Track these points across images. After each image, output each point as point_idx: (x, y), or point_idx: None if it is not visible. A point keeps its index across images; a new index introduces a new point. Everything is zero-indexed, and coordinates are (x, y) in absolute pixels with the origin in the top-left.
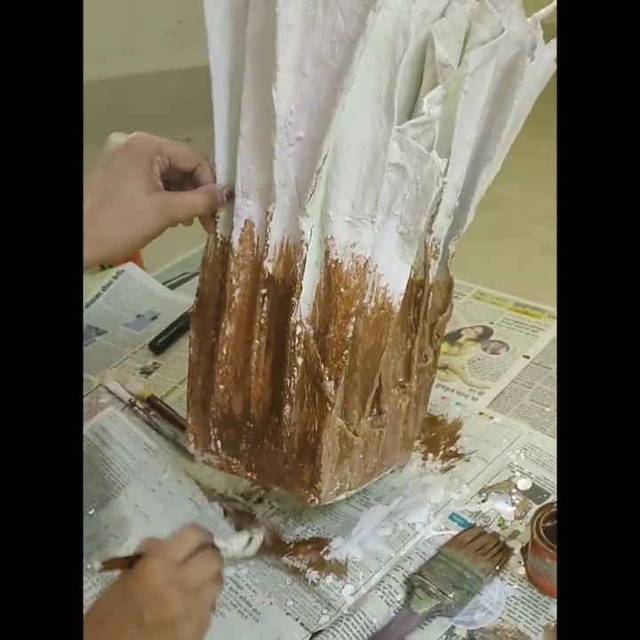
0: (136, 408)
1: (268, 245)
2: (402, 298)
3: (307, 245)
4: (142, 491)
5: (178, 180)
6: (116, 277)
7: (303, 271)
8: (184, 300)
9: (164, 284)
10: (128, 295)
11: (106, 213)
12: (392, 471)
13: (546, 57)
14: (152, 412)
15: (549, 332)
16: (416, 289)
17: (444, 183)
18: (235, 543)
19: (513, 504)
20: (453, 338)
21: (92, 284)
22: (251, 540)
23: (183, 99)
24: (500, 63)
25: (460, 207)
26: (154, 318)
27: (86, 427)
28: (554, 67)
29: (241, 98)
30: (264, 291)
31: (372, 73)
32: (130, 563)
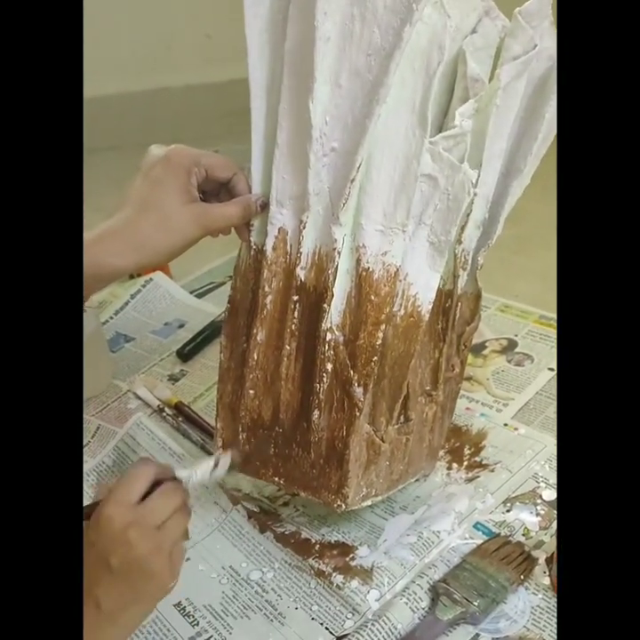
0: (164, 414)
1: (301, 253)
2: (431, 306)
3: (339, 253)
4: None
5: (214, 189)
6: (144, 286)
7: (335, 279)
8: (210, 308)
9: (191, 292)
10: (156, 303)
11: (144, 222)
12: (417, 480)
13: None
14: (180, 419)
15: None
16: (445, 299)
17: (475, 194)
18: (199, 471)
19: (537, 514)
20: (478, 349)
21: (120, 292)
22: (216, 463)
23: (211, 112)
24: (532, 77)
25: (489, 218)
26: (181, 326)
27: (118, 436)
28: None
29: (278, 109)
30: (296, 297)
31: (406, 85)
32: (87, 514)
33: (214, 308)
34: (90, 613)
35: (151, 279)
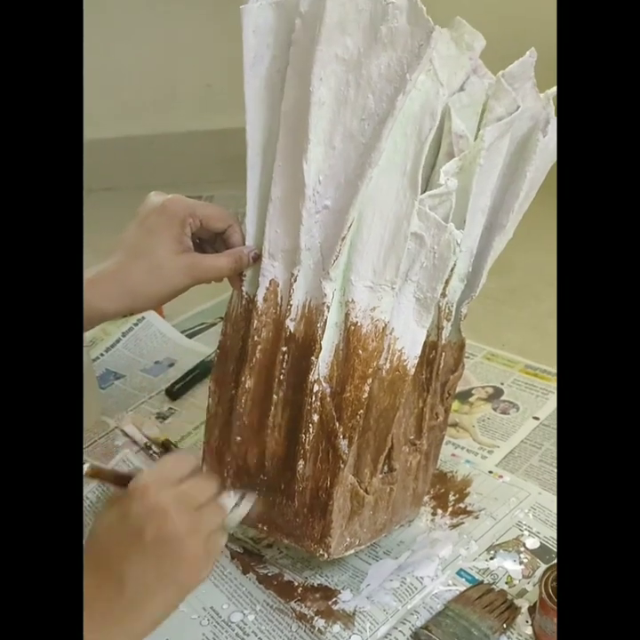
0: (151, 452)
1: (291, 305)
2: (417, 360)
3: (328, 307)
4: None
5: (210, 238)
6: (136, 324)
7: (323, 332)
8: (201, 348)
9: (182, 332)
10: (147, 342)
11: (136, 269)
12: (401, 525)
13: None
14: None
15: None
16: (429, 350)
17: (460, 251)
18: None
19: (521, 563)
20: (464, 396)
21: (112, 330)
22: (240, 501)
23: (209, 158)
24: (515, 137)
25: (473, 271)
26: (171, 365)
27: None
28: None
29: (273, 166)
30: (285, 348)
31: (398, 149)
32: (122, 480)
33: (205, 347)
34: (110, 598)
35: (143, 318)
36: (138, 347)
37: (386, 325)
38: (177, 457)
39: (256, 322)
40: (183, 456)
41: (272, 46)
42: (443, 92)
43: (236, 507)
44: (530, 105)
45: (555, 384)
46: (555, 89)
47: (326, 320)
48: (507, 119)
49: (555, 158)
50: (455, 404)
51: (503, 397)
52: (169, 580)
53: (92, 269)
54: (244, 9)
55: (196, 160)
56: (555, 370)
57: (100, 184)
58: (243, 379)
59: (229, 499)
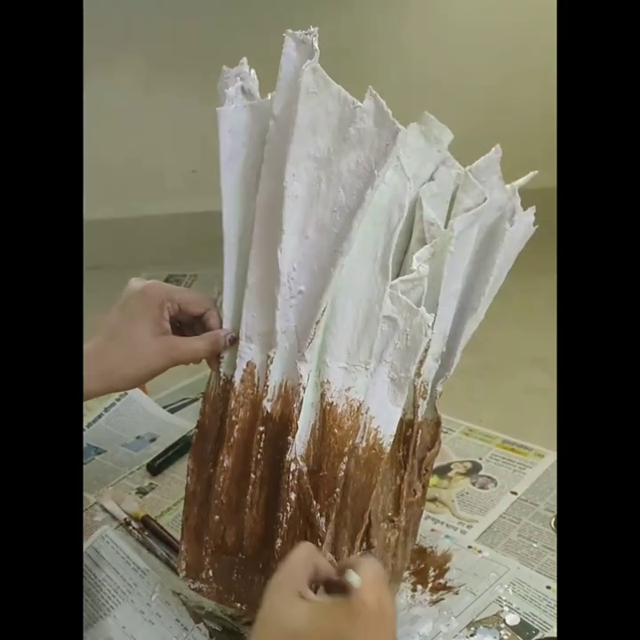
0: (131, 528)
1: (268, 386)
2: (392, 439)
3: (304, 388)
4: (131, 612)
5: (189, 321)
6: (118, 399)
7: (300, 412)
8: (183, 423)
9: (164, 407)
10: (129, 417)
11: (114, 350)
12: None
13: (524, 222)
14: (146, 532)
15: (536, 470)
16: (405, 428)
17: (433, 333)
18: None
19: (501, 639)
20: (443, 471)
21: (94, 405)
22: None
23: (194, 239)
24: (483, 225)
25: (446, 352)
26: (153, 440)
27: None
28: (532, 230)
29: (249, 254)
30: (262, 428)
31: (368, 237)
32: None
33: (186, 422)
34: None
35: (126, 393)
36: (120, 422)
37: (361, 405)
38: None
39: (233, 402)
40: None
41: (247, 145)
42: (410, 185)
43: None
44: (496, 196)
45: (532, 458)
46: (520, 181)
47: (302, 400)
48: (475, 210)
49: (522, 245)
50: (434, 479)
51: (481, 472)
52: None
53: None
54: (220, 111)
55: (181, 240)
56: (531, 444)
57: (89, 262)
58: (221, 458)
59: None
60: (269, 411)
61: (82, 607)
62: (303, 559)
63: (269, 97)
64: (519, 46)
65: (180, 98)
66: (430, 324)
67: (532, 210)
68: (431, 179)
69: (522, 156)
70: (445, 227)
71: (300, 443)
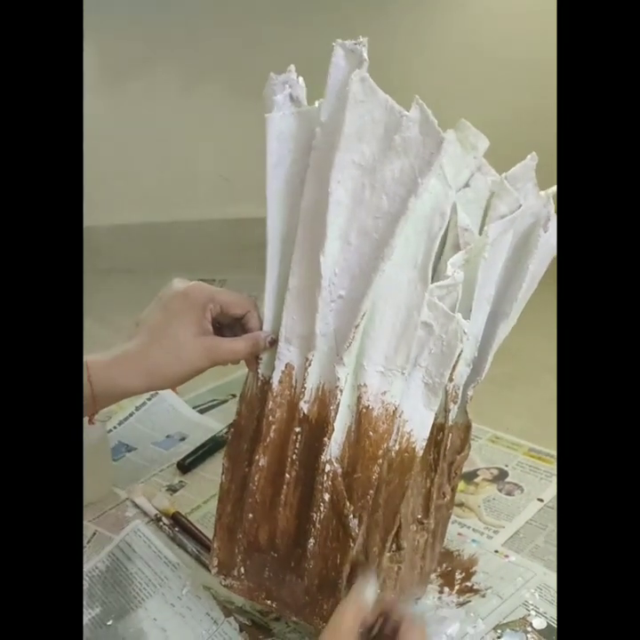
0: (161, 523)
1: (306, 388)
2: (425, 443)
3: (341, 391)
4: (162, 605)
5: (230, 322)
6: (149, 399)
7: (336, 414)
8: (212, 424)
9: (194, 408)
10: (160, 416)
11: (157, 350)
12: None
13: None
14: (176, 528)
15: None
16: (436, 431)
17: (467, 338)
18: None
19: None
20: (470, 477)
21: (125, 404)
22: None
23: (223, 245)
24: (517, 232)
25: (478, 357)
26: (182, 439)
27: (114, 542)
28: None
29: (291, 257)
30: (298, 429)
31: (410, 244)
32: None
33: (216, 423)
34: None
35: (157, 393)
36: (150, 420)
37: (396, 408)
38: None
39: (271, 403)
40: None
41: (293, 151)
42: (451, 193)
43: None
44: (531, 203)
45: None
46: (554, 188)
47: (339, 403)
48: (509, 216)
49: (555, 252)
50: (461, 485)
51: (508, 479)
52: None
53: (116, 348)
54: (269, 118)
55: (211, 246)
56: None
57: (122, 265)
58: (256, 457)
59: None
60: (306, 412)
61: (82, 614)
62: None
63: (316, 104)
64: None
65: (216, 105)
66: (466, 331)
67: None
68: (467, 185)
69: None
70: (480, 233)
71: (335, 444)
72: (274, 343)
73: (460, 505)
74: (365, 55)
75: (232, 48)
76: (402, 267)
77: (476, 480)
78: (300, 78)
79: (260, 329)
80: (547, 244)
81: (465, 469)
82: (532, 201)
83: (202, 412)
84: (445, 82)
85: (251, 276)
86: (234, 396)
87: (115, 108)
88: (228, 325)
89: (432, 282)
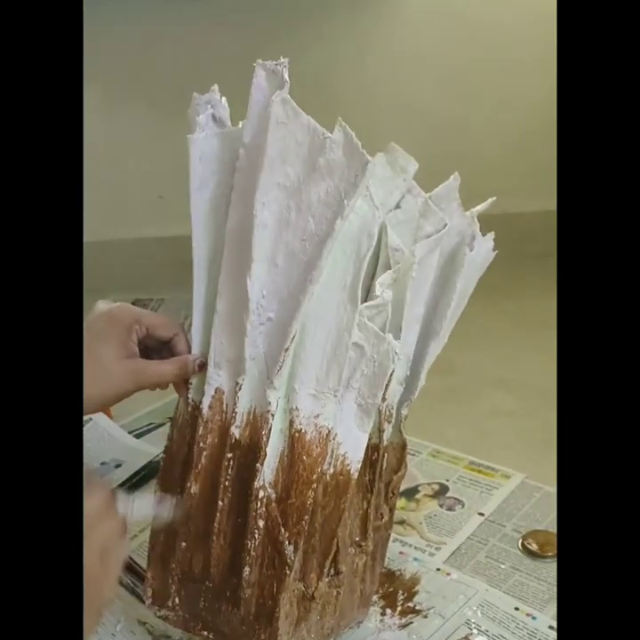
0: None
1: (236, 413)
2: (360, 465)
3: (273, 415)
4: None
5: (156, 346)
6: (83, 425)
7: (268, 439)
8: (149, 449)
9: (130, 432)
10: (94, 442)
11: None
12: (350, 628)
13: (484, 247)
14: None
15: (503, 491)
16: (371, 452)
17: (399, 358)
18: (139, 502)
19: None
20: (411, 494)
21: None
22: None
23: (160, 263)
24: (444, 251)
25: (411, 375)
26: (118, 466)
27: None
28: (492, 255)
29: (218, 280)
30: (230, 455)
31: (338, 265)
32: None
33: (152, 448)
34: None
35: (91, 419)
36: (85, 448)
37: (329, 431)
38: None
39: (201, 428)
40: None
41: (217, 172)
42: (378, 214)
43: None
44: (456, 222)
45: (498, 479)
46: (479, 207)
47: (271, 427)
48: (435, 236)
49: (482, 270)
50: (402, 502)
51: (449, 494)
52: None
53: None
54: (191, 139)
55: (147, 265)
56: (497, 466)
57: None
58: (188, 484)
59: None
60: (237, 437)
61: (82, 612)
62: None
63: (240, 125)
64: (480, 75)
65: (148, 123)
66: (397, 351)
67: (491, 235)
68: (397, 206)
69: (481, 184)
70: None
71: (268, 470)
72: (203, 367)
73: (402, 522)
74: (286, 76)
75: (161, 67)
76: (331, 288)
77: (417, 496)
78: (224, 98)
79: (189, 352)
80: (473, 262)
81: (406, 486)
82: (456, 220)
83: (139, 436)
84: (378, 103)
85: (189, 295)
86: (171, 418)
87: None
88: (155, 349)
89: (364, 303)
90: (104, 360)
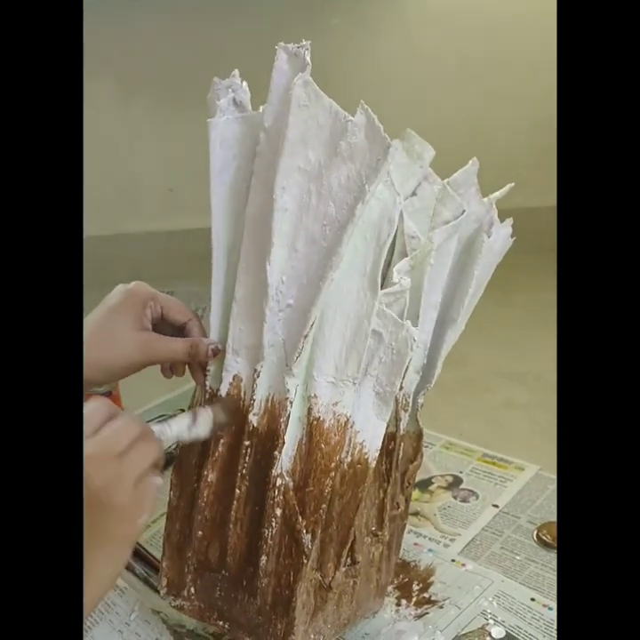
0: None
1: (254, 400)
2: (377, 453)
3: (291, 402)
4: (109, 632)
5: (172, 332)
6: None
7: (286, 427)
8: None
9: None
10: None
11: (92, 340)
12: (366, 618)
13: (502, 233)
14: None
15: (517, 483)
16: (388, 440)
17: (417, 346)
18: (175, 425)
19: None
20: (424, 485)
21: None
22: (195, 419)
23: (169, 256)
24: (462, 237)
25: (427, 364)
26: None
27: None
28: (509, 242)
29: (237, 266)
30: (247, 442)
31: (358, 252)
32: None
33: None
34: None
35: None
36: None
37: (348, 419)
38: (88, 408)
39: None
40: (95, 404)
41: (237, 157)
42: (399, 200)
43: (194, 425)
44: (474, 209)
45: (512, 471)
46: (497, 194)
47: (289, 415)
48: (453, 222)
49: (500, 257)
50: (416, 493)
51: (462, 486)
52: (103, 534)
53: None
54: (211, 123)
55: (156, 258)
56: (511, 458)
57: None
58: (205, 472)
59: (181, 420)
60: (255, 425)
61: (82, 612)
62: None
63: (261, 109)
64: (499, 64)
65: (157, 116)
66: (415, 338)
67: (509, 221)
68: (413, 194)
69: (499, 175)
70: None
71: (286, 458)
72: (217, 353)
73: (416, 514)
74: (308, 59)
75: (171, 59)
76: (351, 275)
77: (431, 488)
78: (244, 83)
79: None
80: (491, 249)
81: (420, 477)
82: (474, 206)
83: None
84: (392, 86)
85: (197, 288)
86: (182, 410)
87: None
88: (170, 335)
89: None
90: (117, 329)
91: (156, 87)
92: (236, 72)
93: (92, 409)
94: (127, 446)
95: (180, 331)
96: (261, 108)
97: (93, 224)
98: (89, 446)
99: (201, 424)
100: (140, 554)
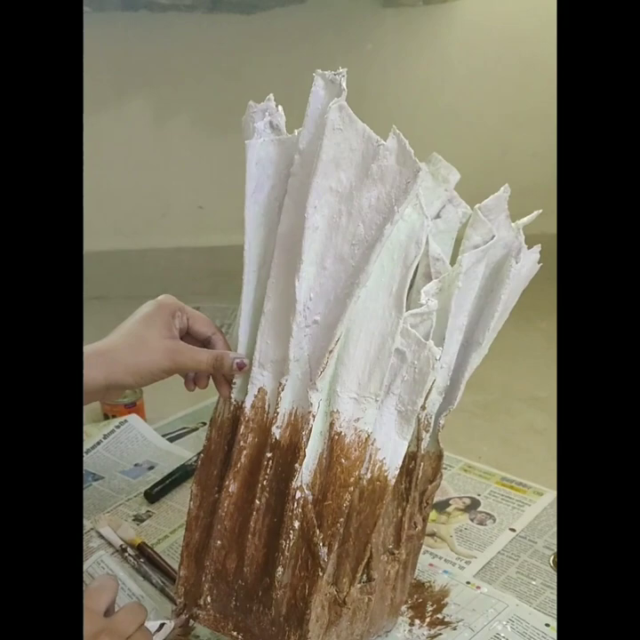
0: (126, 554)
1: (278, 413)
2: (397, 472)
3: (313, 416)
4: None
5: (196, 345)
6: (118, 427)
7: (308, 440)
8: (181, 452)
9: (163, 436)
10: (128, 444)
11: (122, 344)
12: (378, 636)
13: (530, 259)
14: (142, 559)
15: (535, 508)
16: (408, 460)
17: (441, 367)
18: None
19: None
20: (442, 507)
21: (94, 432)
22: (162, 626)
23: (196, 273)
24: (490, 262)
25: (450, 385)
26: (151, 468)
27: None
28: (537, 268)
29: (267, 282)
30: (269, 454)
31: (385, 271)
32: None
33: (185, 451)
34: None
35: (126, 421)
36: (118, 449)
37: (369, 436)
38: (101, 585)
39: (243, 427)
40: (107, 582)
41: (272, 177)
42: (427, 223)
43: (159, 630)
44: (504, 234)
45: (530, 496)
46: (525, 220)
47: (311, 428)
48: (483, 247)
49: (526, 282)
50: (433, 514)
51: (480, 508)
52: None
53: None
54: (249, 144)
55: (183, 274)
56: (530, 482)
57: (93, 292)
58: (227, 483)
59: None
60: (278, 437)
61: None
62: None
63: (296, 133)
64: (528, 88)
65: (189, 134)
66: (438, 358)
67: (537, 248)
68: (438, 216)
69: (522, 201)
70: (451, 263)
71: (306, 471)
72: (242, 367)
73: (432, 535)
74: (344, 85)
75: (204, 78)
76: (377, 294)
77: (448, 509)
78: (280, 107)
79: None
80: (518, 274)
81: (437, 499)
82: (504, 232)
83: (171, 440)
84: (422, 110)
85: (223, 305)
86: (204, 423)
87: (87, 137)
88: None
89: (407, 310)
90: (147, 336)
91: (190, 109)
92: (271, 96)
93: (106, 585)
94: (132, 633)
95: (204, 344)
96: (296, 131)
97: (123, 238)
98: (106, 623)
99: (163, 631)
100: (157, 564)
